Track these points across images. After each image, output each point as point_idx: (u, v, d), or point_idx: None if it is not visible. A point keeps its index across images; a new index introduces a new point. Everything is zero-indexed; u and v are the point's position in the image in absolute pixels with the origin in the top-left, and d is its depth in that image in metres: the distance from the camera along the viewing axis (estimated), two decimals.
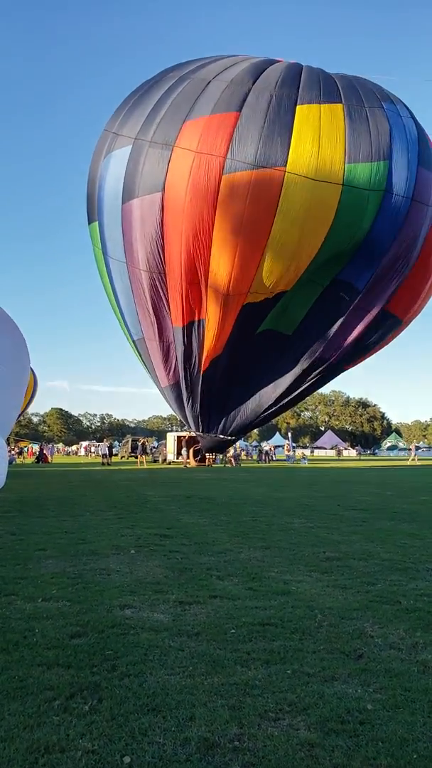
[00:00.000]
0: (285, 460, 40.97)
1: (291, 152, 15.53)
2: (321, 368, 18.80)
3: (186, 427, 25.33)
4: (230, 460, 33.55)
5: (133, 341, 20.12)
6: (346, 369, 20.19)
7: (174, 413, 21.57)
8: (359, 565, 6.06)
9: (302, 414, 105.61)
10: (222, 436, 20.24)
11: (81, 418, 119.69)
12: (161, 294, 17.89)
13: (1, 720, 2.77)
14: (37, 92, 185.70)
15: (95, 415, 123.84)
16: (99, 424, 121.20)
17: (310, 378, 19.11)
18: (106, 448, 34.71)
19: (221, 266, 16.44)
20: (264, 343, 18.07)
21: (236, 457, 39.01)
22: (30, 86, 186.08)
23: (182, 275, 17.09)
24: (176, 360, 18.96)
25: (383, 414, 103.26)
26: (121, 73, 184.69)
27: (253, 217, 15.65)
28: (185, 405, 19.88)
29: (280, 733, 2.65)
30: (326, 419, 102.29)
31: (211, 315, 17.51)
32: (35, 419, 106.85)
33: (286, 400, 19.72)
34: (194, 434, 21.37)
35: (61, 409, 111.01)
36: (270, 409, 19.93)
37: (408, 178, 16.34)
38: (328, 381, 20.71)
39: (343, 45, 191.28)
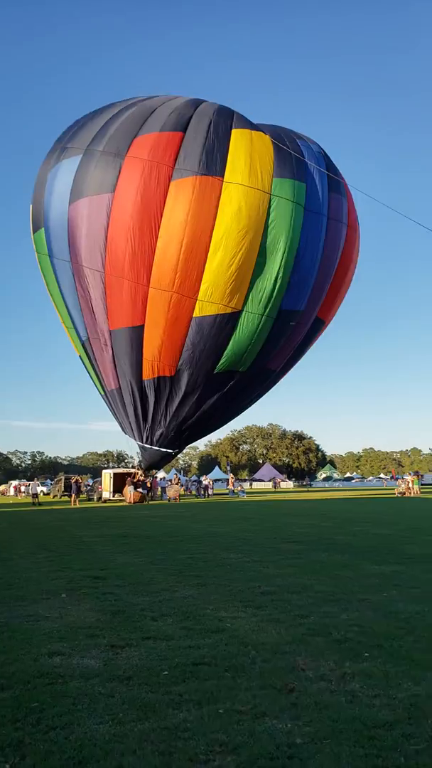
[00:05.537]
0: (226, 494, 40.92)
1: (228, 165, 17.69)
2: (268, 381, 20.28)
3: (126, 462, 25.47)
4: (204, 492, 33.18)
5: (82, 342, 20.31)
6: (282, 377, 21.69)
7: (118, 423, 21.58)
8: (293, 599, 6.13)
9: (241, 447, 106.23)
10: (164, 449, 20.48)
11: (10, 456, 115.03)
12: (101, 294, 18.41)
13: None
14: None
15: (26, 452, 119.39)
16: (30, 462, 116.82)
17: (257, 391, 20.47)
18: (37, 488, 33.46)
19: (167, 262, 17.28)
20: (220, 380, 19.00)
21: (206, 488, 38.85)
22: None
23: (125, 275, 17.72)
24: (116, 364, 19.26)
25: (318, 446, 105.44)
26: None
27: (197, 216, 16.95)
28: (127, 412, 20.05)
29: None
30: (264, 452, 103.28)
31: (155, 320, 17.96)
32: None
33: (232, 412, 20.82)
34: (138, 444, 21.23)
35: None
36: (218, 423, 20.83)
37: (323, 199, 18.94)
38: (269, 389, 22.06)
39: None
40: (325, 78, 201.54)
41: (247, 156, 17.58)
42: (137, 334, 18.31)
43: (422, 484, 40.19)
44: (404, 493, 34.88)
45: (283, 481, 68.52)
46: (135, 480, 28.14)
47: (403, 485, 36.79)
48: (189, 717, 3.24)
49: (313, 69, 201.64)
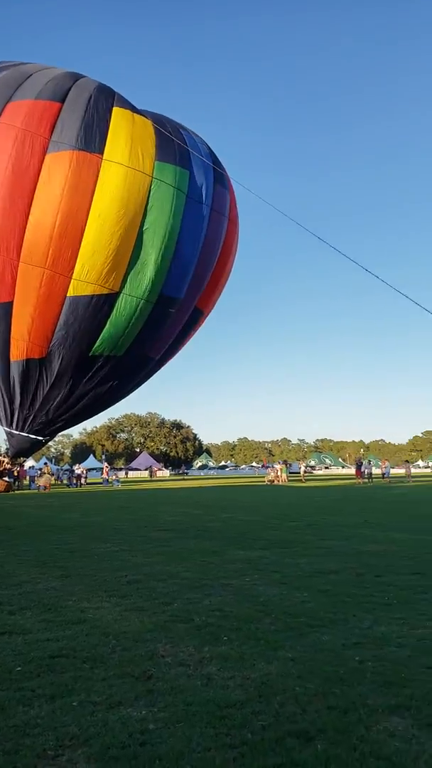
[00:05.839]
0: (101, 483, 40.20)
1: (108, 143, 16.84)
2: (146, 369, 19.81)
3: None
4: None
5: None
6: (162, 366, 21.39)
7: None
8: (159, 586, 6.17)
9: (118, 436, 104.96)
10: (33, 436, 19.42)
11: None
12: None
13: None
14: None
15: None
16: None
17: (135, 379, 19.99)
18: None
19: (40, 236, 16.24)
20: (95, 364, 18.18)
21: (78, 477, 37.30)
22: None
23: None
24: None
25: (196, 435, 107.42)
26: None
27: (73, 192, 16.17)
28: None
29: None
30: (142, 440, 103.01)
31: (26, 297, 16.77)
32: None
33: (109, 399, 20.19)
34: (4, 430, 19.87)
35: None
36: (93, 410, 20.04)
37: (206, 190, 18.67)
38: (148, 378, 21.62)
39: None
40: (208, 76, 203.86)
41: (128, 136, 17.02)
42: (5, 311, 17.06)
43: (290, 473, 42.52)
44: (273, 481, 36.69)
45: (159, 469, 68.89)
46: (1, 468, 26.64)
47: (272, 473, 38.69)
48: (40, 713, 3.14)
49: (206, 70, 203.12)
